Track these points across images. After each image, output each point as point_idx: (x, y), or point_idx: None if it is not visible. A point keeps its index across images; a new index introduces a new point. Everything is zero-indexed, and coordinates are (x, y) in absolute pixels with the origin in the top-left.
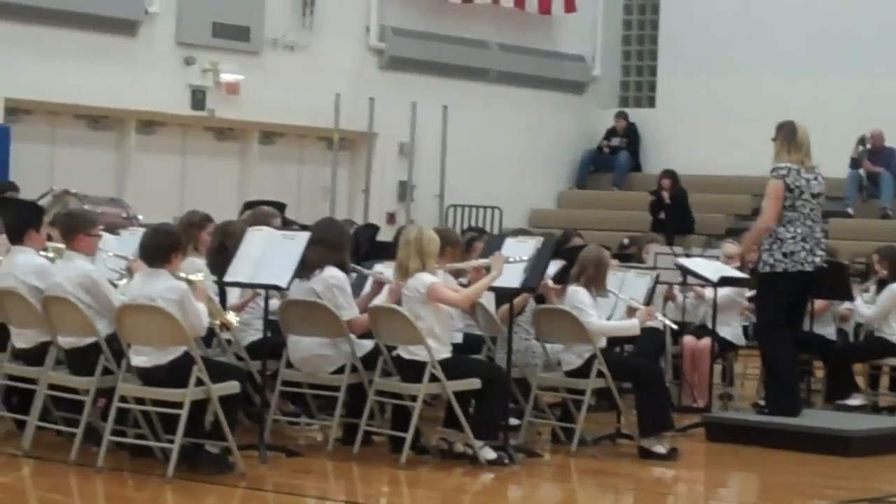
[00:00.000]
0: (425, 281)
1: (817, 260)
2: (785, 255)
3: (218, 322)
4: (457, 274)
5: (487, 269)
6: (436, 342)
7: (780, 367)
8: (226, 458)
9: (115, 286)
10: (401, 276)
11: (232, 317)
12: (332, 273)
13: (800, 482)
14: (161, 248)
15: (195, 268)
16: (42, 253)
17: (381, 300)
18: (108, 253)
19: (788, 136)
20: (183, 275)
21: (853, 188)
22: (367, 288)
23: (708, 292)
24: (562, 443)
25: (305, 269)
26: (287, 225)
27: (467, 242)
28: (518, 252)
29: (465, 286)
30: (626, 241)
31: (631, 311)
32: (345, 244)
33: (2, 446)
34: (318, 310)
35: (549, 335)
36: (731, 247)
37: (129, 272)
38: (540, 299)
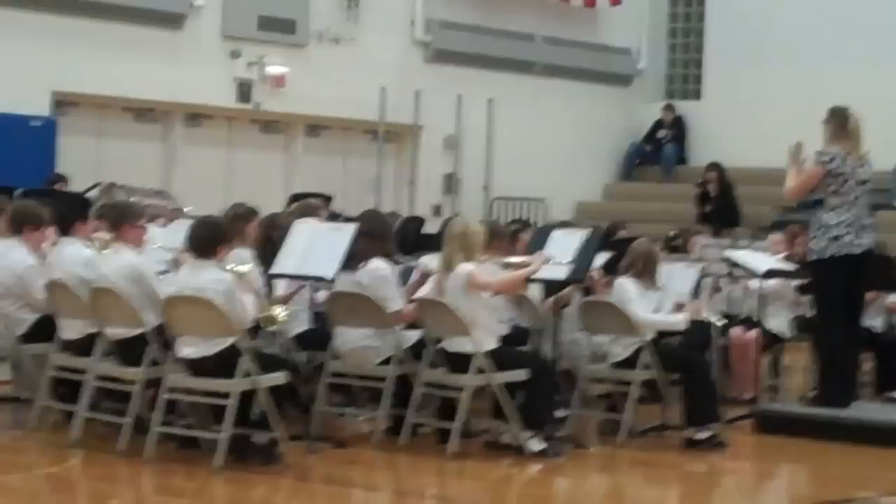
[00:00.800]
0: (465, 269)
1: (864, 243)
2: (831, 240)
3: (264, 315)
4: (504, 267)
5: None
6: (482, 334)
7: (833, 357)
8: (273, 448)
9: (163, 278)
10: (446, 270)
11: (279, 311)
12: (377, 265)
13: (848, 474)
14: (208, 239)
15: (242, 260)
16: (89, 245)
17: (425, 292)
18: (155, 245)
19: (840, 122)
20: (231, 266)
21: None
22: (412, 279)
23: (754, 284)
24: (609, 434)
25: (351, 260)
26: (333, 217)
27: (512, 234)
28: (564, 245)
29: None
30: (672, 233)
31: (679, 306)
32: (390, 235)
33: (51, 437)
34: (365, 301)
35: (596, 327)
36: (777, 236)
37: (176, 264)
38: (588, 291)
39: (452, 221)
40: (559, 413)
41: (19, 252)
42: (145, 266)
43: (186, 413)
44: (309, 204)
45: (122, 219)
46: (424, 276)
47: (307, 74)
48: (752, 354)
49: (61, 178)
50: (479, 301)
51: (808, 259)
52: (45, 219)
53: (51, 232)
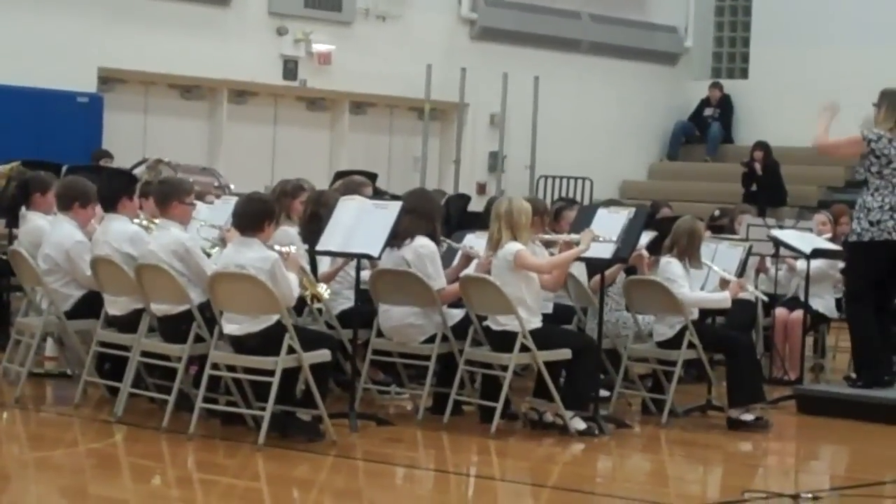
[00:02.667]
0: (512, 249)
1: None
2: (871, 223)
3: (309, 293)
4: (546, 245)
5: (577, 244)
6: (526, 312)
7: (868, 338)
8: (316, 426)
9: (209, 255)
10: (492, 249)
11: (323, 289)
12: (422, 242)
13: (892, 455)
14: (254, 216)
15: (288, 237)
16: (135, 221)
17: (469, 271)
18: (201, 222)
19: (893, 104)
20: (277, 247)
21: None
22: (457, 261)
23: (800, 264)
24: (652, 414)
25: (396, 238)
26: (378, 195)
27: (556, 212)
28: (609, 224)
29: None
30: (716, 212)
31: (723, 284)
32: (436, 214)
33: (95, 413)
34: (410, 279)
35: (640, 306)
36: (822, 217)
37: (223, 241)
38: (631, 270)
39: (499, 200)
40: (603, 392)
41: (68, 228)
42: (192, 242)
43: (230, 390)
44: (353, 181)
45: (172, 196)
46: (468, 259)
47: (353, 52)
48: (797, 334)
49: (107, 154)
50: (524, 279)
51: (847, 239)
52: (93, 196)
53: (96, 209)
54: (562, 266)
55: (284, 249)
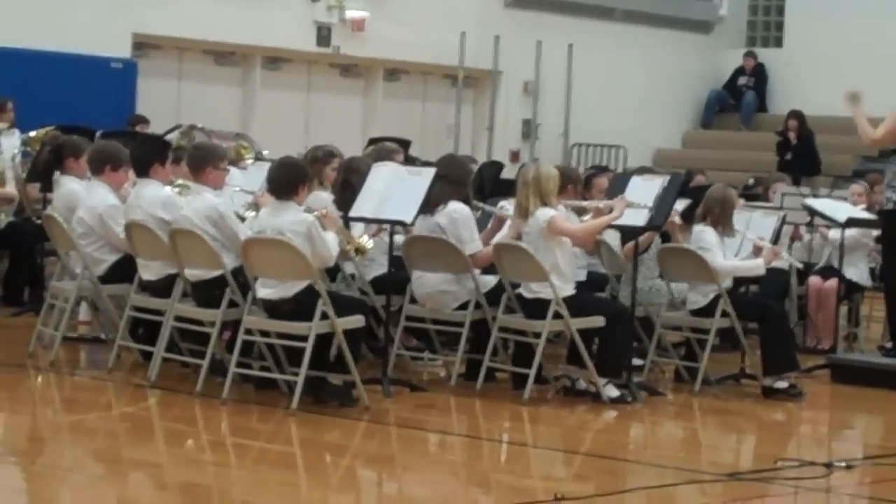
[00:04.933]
0: (546, 215)
1: None
2: None
3: (351, 248)
4: (579, 212)
5: (610, 210)
6: (560, 279)
7: None
8: (349, 391)
9: (243, 219)
10: (521, 216)
11: (366, 240)
12: (456, 207)
13: None
14: (288, 180)
15: (321, 202)
16: (171, 186)
17: (501, 237)
18: (235, 188)
19: None
20: (315, 213)
21: None
22: (490, 225)
23: (834, 233)
24: (685, 382)
25: (430, 204)
26: (409, 162)
27: (586, 179)
28: (643, 192)
29: None
30: (751, 181)
31: (757, 251)
32: (468, 180)
33: (129, 377)
34: (443, 246)
35: (674, 274)
36: (858, 187)
37: (256, 206)
38: (665, 237)
39: (525, 167)
40: (636, 360)
41: (102, 192)
42: (225, 207)
43: (263, 355)
44: (384, 147)
45: (206, 161)
46: (501, 221)
47: (387, 19)
48: (831, 303)
49: (143, 120)
50: (558, 246)
51: (882, 208)
52: (125, 159)
53: (130, 174)
54: (595, 232)
55: (321, 211)
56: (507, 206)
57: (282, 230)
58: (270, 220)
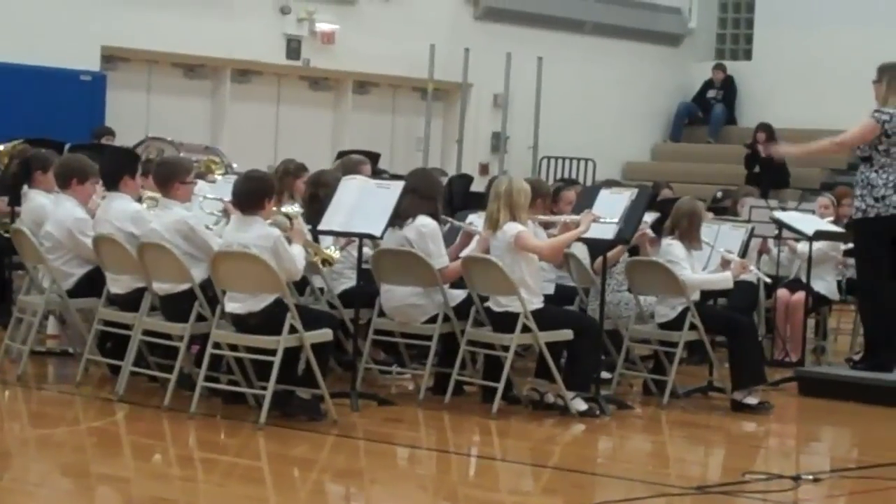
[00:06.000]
0: (513, 230)
1: None
2: (876, 199)
3: (319, 259)
4: (546, 226)
5: (577, 225)
6: (528, 293)
7: (877, 320)
8: (318, 405)
9: (211, 229)
10: (490, 228)
11: (332, 250)
12: (424, 221)
13: (893, 437)
14: (254, 193)
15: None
16: (140, 199)
17: (469, 252)
18: (202, 196)
19: (894, 77)
20: (284, 209)
21: None
22: (458, 241)
23: (802, 246)
24: (653, 395)
25: (398, 218)
26: (377, 174)
27: (554, 192)
28: (611, 205)
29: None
30: (718, 194)
31: (725, 264)
32: (437, 194)
33: (96, 391)
34: (412, 259)
35: (642, 287)
36: (825, 199)
37: (226, 214)
38: (633, 251)
39: (498, 180)
40: (604, 373)
41: (69, 205)
42: (195, 220)
43: (231, 369)
44: (350, 159)
45: (173, 176)
46: (468, 237)
47: (357, 31)
48: (799, 316)
49: (108, 132)
50: (524, 261)
51: (852, 216)
52: (91, 172)
53: (98, 187)
54: (561, 248)
55: (287, 210)
56: (476, 221)
57: (248, 245)
58: (236, 234)
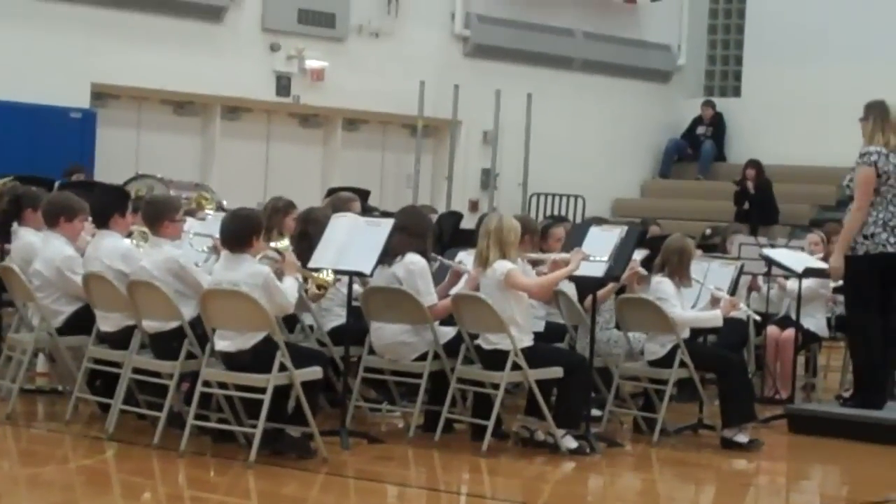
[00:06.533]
0: (503, 268)
1: None
2: (865, 237)
3: (314, 285)
4: (534, 264)
5: (567, 263)
6: (518, 330)
7: (866, 357)
8: (307, 443)
9: (199, 266)
10: (480, 266)
11: (325, 274)
12: (413, 259)
13: (883, 475)
14: (241, 232)
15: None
16: (130, 237)
17: (458, 290)
18: (191, 233)
19: (881, 115)
20: (273, 244)
21: None
22: (447, 279)
23: (791, 283)
24: (643, 433)
25: (387, 255)
26: (367, 211)
27: (543, 229)
28: (601, 242)
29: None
30: (708, 231)
31: (715, 302)
32: (427, 232)
33: (86, 429)
34: (402, 297)
35: (632, 324)
36: (814, 236)
37: (215, 250)
38: (622, 288)
39: (488, 217)
40: (594, 411)
41: (58, 243)
42: (185, 259)
43: (221, 407)
44: (340, 197)
45: (162, 215)
46: (457, 275)
47: (346, 68)
48: (789, 353)
49: (79, 169)
50: (514, 298)
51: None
52: (80, 209)
53: (88, 224)
54: (551, 287)
55: (277, 245)
56: (466, 258)
57: (237, 284)
58: (226, 273)
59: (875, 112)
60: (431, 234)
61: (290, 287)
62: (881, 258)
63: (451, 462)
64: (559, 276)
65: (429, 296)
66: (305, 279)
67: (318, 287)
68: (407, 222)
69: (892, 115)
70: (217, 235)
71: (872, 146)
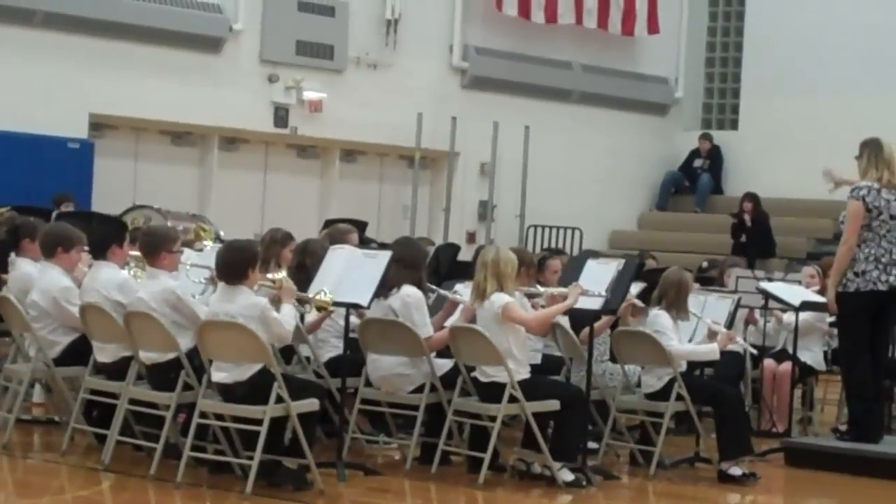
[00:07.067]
0: (500, 301)
1: (892, 280)
2: (856, 274)
3: (313, 307)
4: (530, 297)
5: (564, 298)
6: (515, 363)
7: (861, 392)
8: (304, 475)
9: (195, 297)
10: (477, 298)
11: (323, 295)
12: (408, 291)
13: None
14: (237, 263)
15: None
16: (126, 268)
17: (454, 321)
18: (188, 264)
19: (874, 152)
20: (269, 276)
21: None
22: (443, 311)
23: (788, 316)
24: (640, 465)
25: (383, 287)
26: (364, 243)
27: (539, 262)
28: (598, 275)
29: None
30: (704, 264)
31: (712, 335)
32: (422, 263)
33: (82, 460)
34: (399, 329)
35: (628, 357)
36: (811, 269)
37: (212, 281)
38: (617, 321)
39: (485, 249)
40: (591, 444)
41: (54, 274)
42: (182, 290)
43: (218, 438)
44: (338, 229)
45: (159, 246)
46: (454, 306)
47: (344, 100)
48: (786, 387)
49: (67, 198)
50: (511, 331)
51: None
52: (77, 240)
53: (85, 255)
54: (548, 321)
55: (274, 276)
56: (463, 290)
57: (234, 316)
58: (222, 305)
59: (869, 148)
60: (426, 265)
61: (287, 315)
62: (871, 295)
63: (447, 494)
64: (557, 310)
65: (425, 327)
66: (304, 303)
67: (318, 309)
68: (402, 254)
69: (886, 152)
70: (213, 267)
71: (864, 181)
